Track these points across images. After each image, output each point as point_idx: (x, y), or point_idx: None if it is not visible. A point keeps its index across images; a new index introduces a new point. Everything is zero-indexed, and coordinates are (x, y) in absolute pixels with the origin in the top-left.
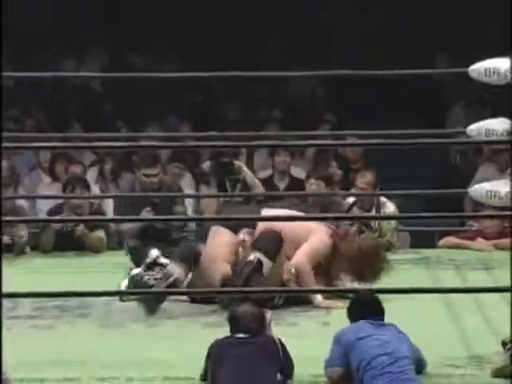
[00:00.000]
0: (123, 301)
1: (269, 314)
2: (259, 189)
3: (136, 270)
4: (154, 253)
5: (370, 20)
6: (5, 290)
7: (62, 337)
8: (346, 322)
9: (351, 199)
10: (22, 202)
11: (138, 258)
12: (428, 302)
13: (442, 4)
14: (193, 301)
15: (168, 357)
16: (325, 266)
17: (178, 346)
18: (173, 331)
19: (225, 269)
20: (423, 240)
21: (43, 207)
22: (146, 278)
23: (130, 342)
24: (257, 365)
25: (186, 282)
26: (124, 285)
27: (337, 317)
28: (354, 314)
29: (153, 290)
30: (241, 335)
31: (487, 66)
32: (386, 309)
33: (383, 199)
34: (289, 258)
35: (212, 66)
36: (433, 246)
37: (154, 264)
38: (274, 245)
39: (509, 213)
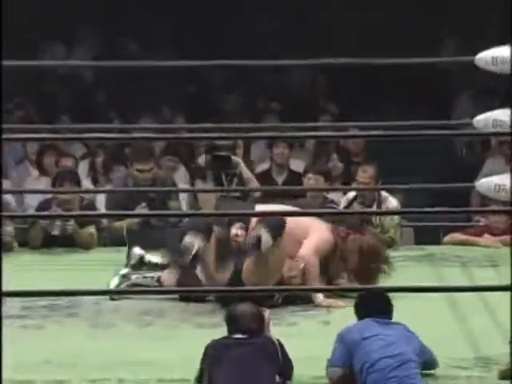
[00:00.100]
0: (113, 300)
1: (267, 314)
2: (255, 184)
3: (124, 270)
4: (138, 252)
5: (370, 20)
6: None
7: (52, 337)
8: (347, 322)
9: (351, 194)
10: (8, 197)
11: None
12: (433, 301)
13: (442, 4)
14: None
15: (161, 357)
16: (323, 264)
17: (171, 346)
18: (165, 331)
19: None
20: (428, 236)
21: (31, 202)
22: (134, 276)
23: (122, 343)
24: (255, 366)
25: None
26: (114, 283)
27: (337, 316)
28: (360, 312)
29: (144, 288)
30: (239, 336)
31: (494, 55)
32: None
33: (385, 194)
34: (288, 255)
35: (209, 59)
36: (438, 242)
37: (141, 263)
38: (277, 222)
39: None
